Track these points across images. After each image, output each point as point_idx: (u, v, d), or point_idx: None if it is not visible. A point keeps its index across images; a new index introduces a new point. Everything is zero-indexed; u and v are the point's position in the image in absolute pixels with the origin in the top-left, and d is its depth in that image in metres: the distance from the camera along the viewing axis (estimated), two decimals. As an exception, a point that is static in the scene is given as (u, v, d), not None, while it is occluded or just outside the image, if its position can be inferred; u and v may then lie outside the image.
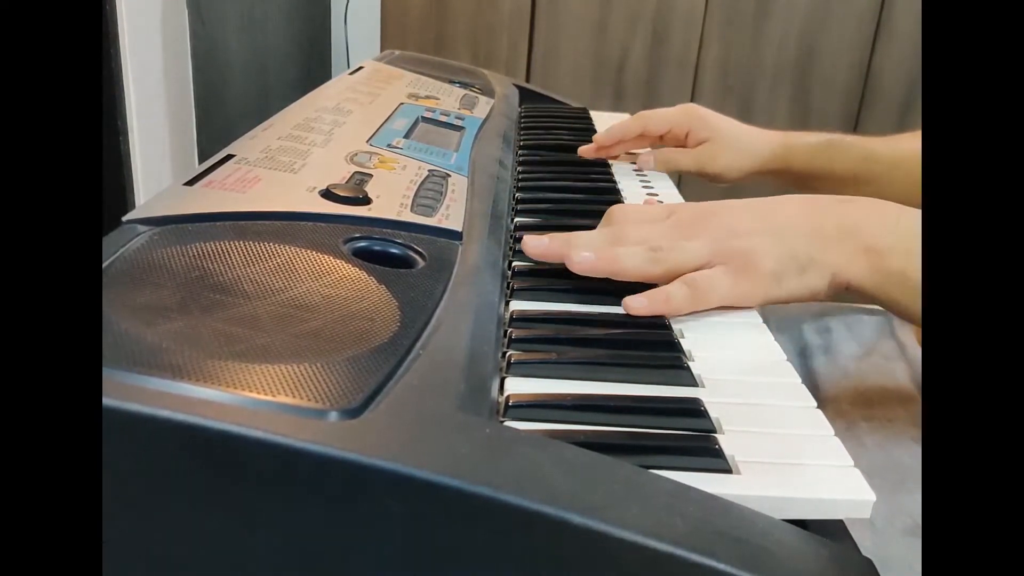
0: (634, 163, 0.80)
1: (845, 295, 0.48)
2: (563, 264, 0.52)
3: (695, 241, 0.46)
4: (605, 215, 0.52)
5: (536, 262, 0.52)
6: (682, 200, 0.69)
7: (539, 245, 0.47)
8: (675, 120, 0.79)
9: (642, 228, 0.48)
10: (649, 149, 0.81)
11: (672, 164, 0.78)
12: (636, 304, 0.44)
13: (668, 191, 0.72)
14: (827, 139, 0.78)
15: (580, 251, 0.46)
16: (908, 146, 0.75)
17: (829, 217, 0.48)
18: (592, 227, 0.60)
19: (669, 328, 0.44)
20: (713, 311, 0.47)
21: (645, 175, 0.77)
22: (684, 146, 0.80)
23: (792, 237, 0.47)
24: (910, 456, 0.54)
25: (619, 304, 0.47)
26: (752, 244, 0.46)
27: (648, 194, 0.71)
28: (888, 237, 0.46)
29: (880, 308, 0.50)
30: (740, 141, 0.79)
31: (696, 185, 0.81)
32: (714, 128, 0.78)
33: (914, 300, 0.46)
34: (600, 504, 0.27)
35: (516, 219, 0.60)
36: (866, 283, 0.46)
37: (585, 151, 0.80)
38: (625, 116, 1.06)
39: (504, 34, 1.99)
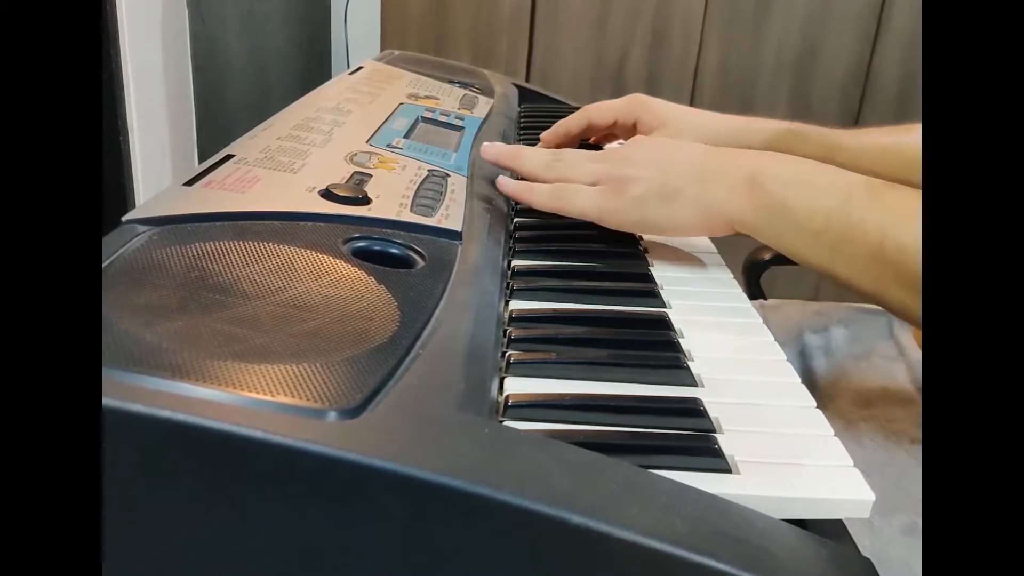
0: None
1: (740, 234, 0.51)
2: (563, 264, 0.52)
3: (595, 164, 0.52)
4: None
5: (536, 261, 0.52)
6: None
7: (491, 150, 0.55)
8: (620, 110, 0.77)
9: (574, 153, 0.55)
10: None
11: None
12: (506, 186, 0.53)
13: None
14: (788, 127, 0.75)
15: (510, 150, 0.53)
16: (872, 140, 0.74)
17: (725, 160, 0.52)
18: (592, 226, 0.60)
19: (669, 328, 0.44)
20: (713, 309, 0.47)
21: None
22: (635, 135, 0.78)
23: (671, 172, 0.51)
24: (909, 456, 0.54)
25: (617, 303, 0.47)
26: (633, 173, 0.51)
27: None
28: (773, 170, 0.49)
29: (879, 309, 0.50)
30: (692, 125, 0.76)
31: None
32: (662, 115, 0.76)
33: (795, 235, 0.48)
34: (600, 504, 0.27)
35: (515, 219, 0.60)
36: (747, 216, 0.49)
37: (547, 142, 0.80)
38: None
39: (504, 34, 1.99)
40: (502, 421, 0.35)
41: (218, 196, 0.46)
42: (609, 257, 0.54)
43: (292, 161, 0.53)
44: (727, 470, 0.32)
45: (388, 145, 0.61)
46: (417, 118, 0.71)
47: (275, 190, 0.48)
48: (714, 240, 0.60)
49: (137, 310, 0.32)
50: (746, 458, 0.33)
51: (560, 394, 0.37)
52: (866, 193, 0.46)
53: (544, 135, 0.79)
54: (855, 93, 1.99)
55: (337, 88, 0.78)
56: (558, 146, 0.79)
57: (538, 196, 0.52)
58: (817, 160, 0.74)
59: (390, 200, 0.50)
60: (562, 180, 0.52)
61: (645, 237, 0.58)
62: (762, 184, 0.48)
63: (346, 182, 0.51)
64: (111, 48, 1.09)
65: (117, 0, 1.08)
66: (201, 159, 1.36)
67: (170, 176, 1.28)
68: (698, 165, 0.51)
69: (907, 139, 0.73)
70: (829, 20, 1.95)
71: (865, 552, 0.30)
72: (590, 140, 0.84)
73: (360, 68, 0.90)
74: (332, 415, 0.28)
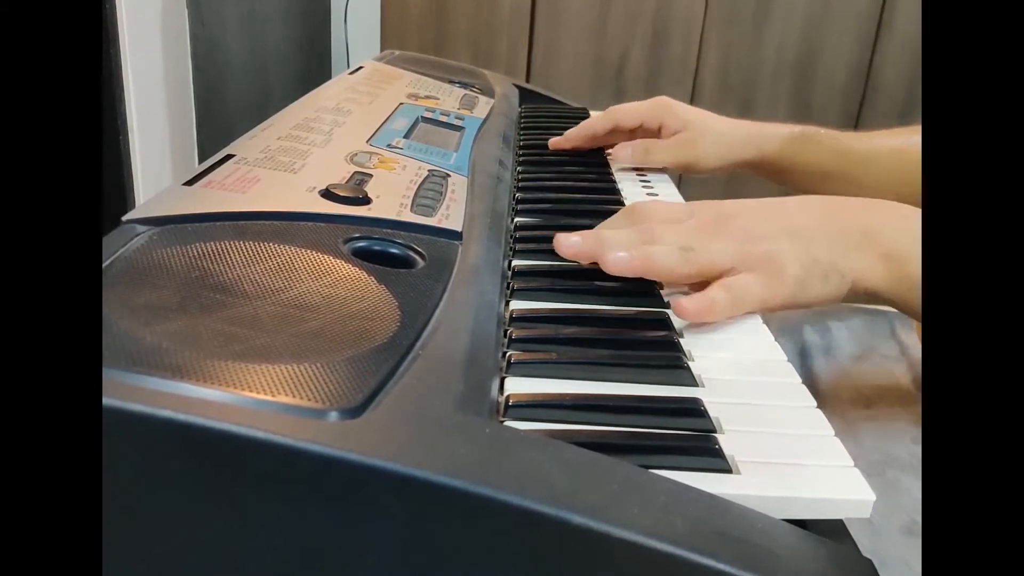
0: (648, 184, 0.76)
1: (863, 299, 0.48)
2: (562, 263, 0.52)
3: (719, 243, 0.46)
4: (626, 211, 0.51)
5: (536, 261, 0.52)
6: (681, 199, 0.69)
7: (573, 244, 0.47)
8: (646, 113, 0.78)
9: (668, 228, 0.48)
10: (623, 143, 0.79)
11: (649, 155, 0.77)
12: (688, 308, 0.44)
13: (668, 191, 0.72)
14: (801, 131, 0.77)
15: (615, 251, 0.46)
16: (882, 142, 0.75)
17: (849, 221, 0.48)
18: (593, 226, 0.60)
19: (669, 328, 0.44)
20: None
21: (645, 175, 0.77)
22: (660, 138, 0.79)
23: (813, 241, 0.46)
24: (909, 456, 0.54)
25: (617, 303, 0.47)
26: (774, 247, 0.46)
27: (648, 194, 0.71)
28: (906, 242, 0.46)
29: (881, 308, 0.50)
30: (715, 130, 0.77)
31: (697, 185, 0.81)
32: (686, 119, 0.77)
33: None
34: (600, 504, 0.27)
35: (516, 219, 0.60)
36: (884, 289, 0.47)
37: (556, 143, 0.79)
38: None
39: (504, 34, 1.99)
40: (502, 421, 0.35)
41: (218, 196, 0.46)
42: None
43: (292, 161, 0.53)
44: (727, 470, 0.32)
45: (388, 145, 0.61)
46: (417, 118, 0.71)
47: (275, 190, 0.48)
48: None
49: (137, 310, 0.32)
50: (746, 458, 0.33)
51: (560, 394, 0.37)
52: None
53: (569, 134, 0.78)
54: (855, 94, 1.99)
55: (337, 88, 0.78)
56: (579, 147, 0.79)
57: (721, 310, 0.45)
58: (830, 164, 0.74)
59: (390, 200, 0.50)
60: (702, 272, 0.46)
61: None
62: (900, 261, 0.46)
63: (346, 182, 0.51)
64: (111, 48, 1.09)
65: (117, 0, 1.08)
66: (201, 159, 1.36)
67: (170, 176, 1.28)
68: (835, 232, 0.47)
69: (917, 140, 0.73)
70: (829, 21, 1.95)
71: (865, 552, 0.30)
72: (604, 144, 0.83)
73: (360, 68, 0.90)
74: (333, 415, 0.28)
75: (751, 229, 0.47)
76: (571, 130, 0.79)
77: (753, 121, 0.79)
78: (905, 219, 0.48)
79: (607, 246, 0.46)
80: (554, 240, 0.48)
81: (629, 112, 0.79)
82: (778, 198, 0.50)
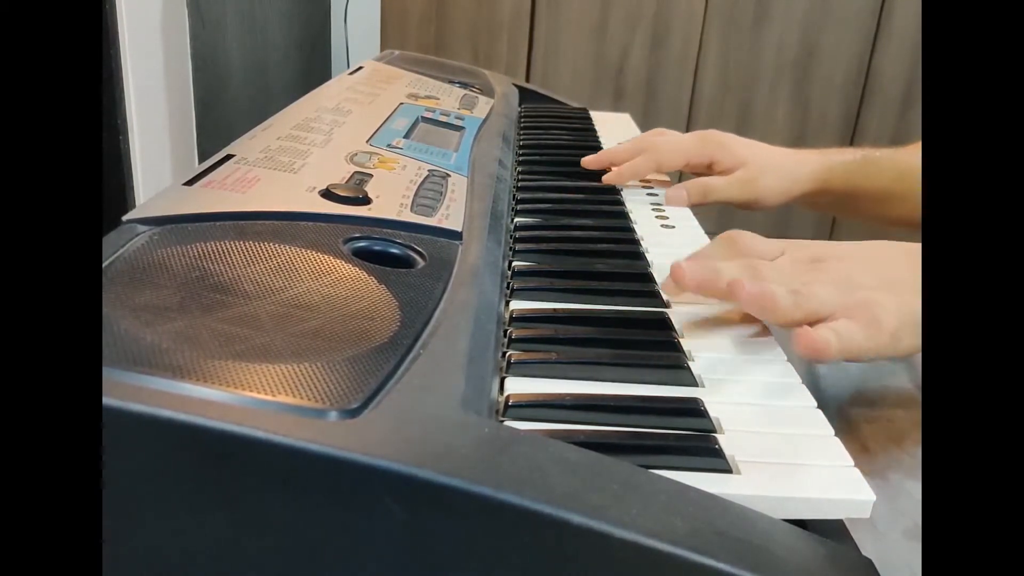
0: (648, 184, 0.74)
1: None
2: (563, 264, 0.52)
3: (823, 289, 0.45)
4: (725, 241, 0.50)
5: (536, 262, 0.52)
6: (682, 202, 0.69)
7: (693, 273, 0.45)
8: (693, 152, 0.74)
9: (770, 266, 0.47)
10: (677, 184, 0.73)
11: (708, 196, 0.72)
12: (809, 345, 0.43)
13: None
14: (863, 156, 0.74)
15: (741, 281, 0.44)
16: None
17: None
18: (593, 226, 0.60)
19: (670, 328, 0.44)
20: (714, 309, 0.47)
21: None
22: (707, 174, 0.75)
23: (909, 294, 0.45)
24: (911, 458, 0.54)
25: (619, 304, 0.47)
26: (873, 298, 0.45)
27: (648, 194, 0.71)
28: None
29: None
30: (774, 165, 0.74)
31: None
32: (741, 156, 0.73)
33: None
34: (600, 504, 0.27)
35: (516, 219, 0.60)
36: None
37: (589, 164, 0.75)
38: (625, 116, 1.06)
39: (504, 34, 1.99)
40: (502, 421, 0.35)
41: (218, 196, 0.46)
42: (609, 257, 0.54)
43: (292, 161, 0.53)
44: (727, 470, 0.32)
45: (388, 145, 0.61)
46: (417, 118, 0.71)
47: (275, 190, 0.48)
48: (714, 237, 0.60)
49: (137, 310, 0.32)
50: (746, 458, 0.33)
51: (560, 394, 0.37)
52: None
53: (607, 177, 0.72)
54: (855, 94, 1.99)
55: (337, 88, 0.78)
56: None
57: (833, 354, 0.43)
58: (890, 187, 0.72)
59: (390, 200, 0.50)
60: (808, 318, 0.44)
61: (646, 240, 0.58)
62: None
63: (346, 182, 0.51)
64: (111, 48, 1.09)
65: (117, 0, 1.08)
66: (201, 159, 1.36)
67: (170, 176, 1.28)
68: (915, 282, 0.45)
69: None
70: (828, 21, 1.95)
71: (867, 554, 0.30)
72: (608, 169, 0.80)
73: (360, 68, 0.90)
74: (333, 415, 0.28)
75: (851, 277, 0.46)
76: (609, 175, 0.73)
77: (809, 150, 0.76)
78: None
79: (723, 278, 0.45)
80: (672, 270, 0.46)
81: (673, 151, 0.74)
82: (870, 243, 0.49)
